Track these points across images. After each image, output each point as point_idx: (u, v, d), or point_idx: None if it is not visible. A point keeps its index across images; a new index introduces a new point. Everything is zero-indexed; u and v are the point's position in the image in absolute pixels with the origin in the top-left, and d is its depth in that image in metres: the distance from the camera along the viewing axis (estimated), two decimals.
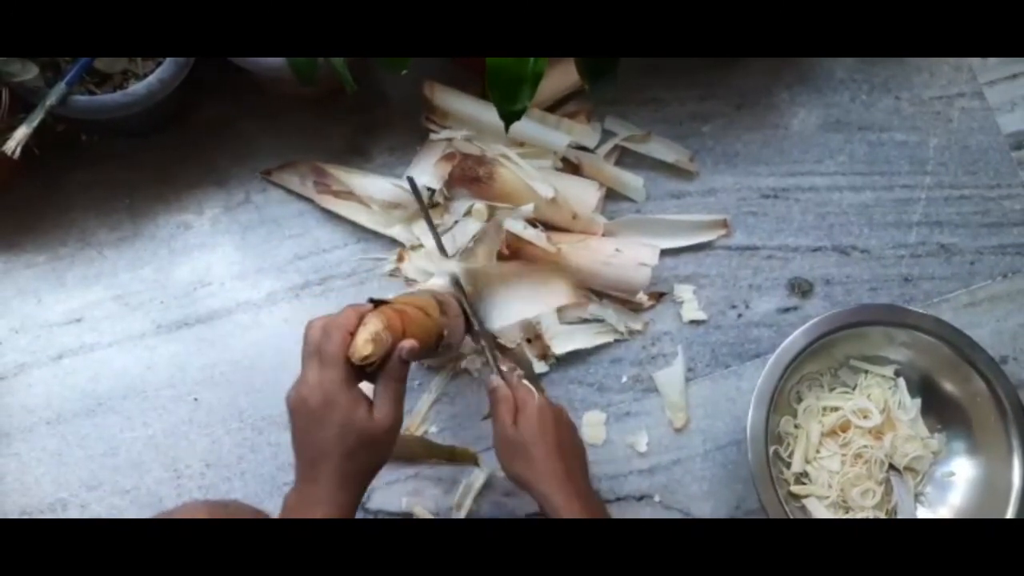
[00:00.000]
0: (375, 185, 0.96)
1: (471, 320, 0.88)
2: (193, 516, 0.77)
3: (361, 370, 0.65)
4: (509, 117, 0.79)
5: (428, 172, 0.97)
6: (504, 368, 0.85)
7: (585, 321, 0.96)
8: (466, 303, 0.88)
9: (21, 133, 0.81)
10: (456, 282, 0.89)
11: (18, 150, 0.82)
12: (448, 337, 0.80)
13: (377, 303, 0.70)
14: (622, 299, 0.97)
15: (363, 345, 0.64)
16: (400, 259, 0.97)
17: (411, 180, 0.93)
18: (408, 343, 0.66)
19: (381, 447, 0.66)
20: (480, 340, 0.88)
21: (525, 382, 0.81)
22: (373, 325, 0.65)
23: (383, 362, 0.66)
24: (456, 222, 0.96)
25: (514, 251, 0.94)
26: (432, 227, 0.93)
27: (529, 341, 0.95)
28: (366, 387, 0.67)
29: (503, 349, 0.94)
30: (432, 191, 0.96)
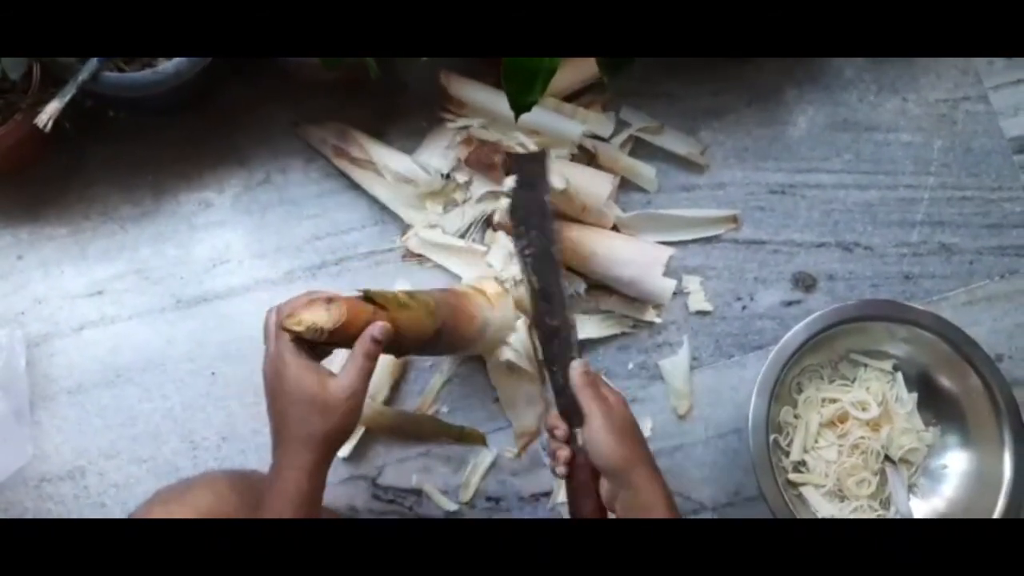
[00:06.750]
0: (394, 158, 0.97)
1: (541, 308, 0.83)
2: (212, 485, 0.79)
3: (313, 344, 0.67)
4: (520, 108, 0.80)
5: (438, 155, 0.99)
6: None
7: (596, 312, 0.98)
8: (534, 285, 0.83)
9: (53, 107, 0.83)
10: (529, 265, 0.85)
11: (50, 124, 0.83)
12: (447, 336, 0.80)
13: (368, 298, 0.71)
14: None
15: (295, 320, 0.66)
16: (404, 235, 0.99)
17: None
18: (381, 324, 0.69)
19: (337, 414, 0.67)
20: (566, 320, 0.82)
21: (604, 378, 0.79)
22: (322, 311, 0.66)
23: (347, 340, 0.68)
24: (467, 200, 0.98)
25: None
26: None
27: None
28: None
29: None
30: (445, 175, 0.98)
